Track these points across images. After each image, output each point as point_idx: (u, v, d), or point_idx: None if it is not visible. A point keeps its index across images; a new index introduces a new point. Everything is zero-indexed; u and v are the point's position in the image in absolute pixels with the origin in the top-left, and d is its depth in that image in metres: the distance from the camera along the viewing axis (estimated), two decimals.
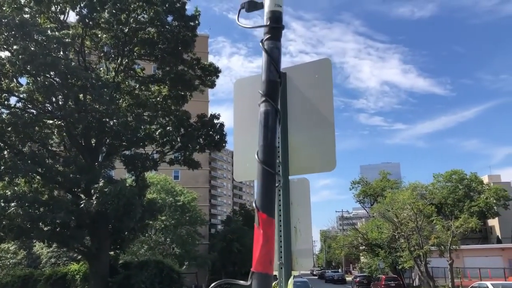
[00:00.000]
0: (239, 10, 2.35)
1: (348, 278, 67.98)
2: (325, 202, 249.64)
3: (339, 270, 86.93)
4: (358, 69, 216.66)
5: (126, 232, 24.87)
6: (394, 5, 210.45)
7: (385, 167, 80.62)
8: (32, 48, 19.18)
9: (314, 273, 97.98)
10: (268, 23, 2.10)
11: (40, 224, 20.47)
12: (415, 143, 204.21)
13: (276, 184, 1.90)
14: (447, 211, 64.10)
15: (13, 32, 19.36)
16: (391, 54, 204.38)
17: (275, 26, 2.10)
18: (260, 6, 2.26)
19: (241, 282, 1.86)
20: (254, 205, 1.86)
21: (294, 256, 3.04)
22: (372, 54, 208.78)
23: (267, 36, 2.07)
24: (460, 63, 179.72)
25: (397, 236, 40.88)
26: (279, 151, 3.20)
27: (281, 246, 3.04)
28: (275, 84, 2.01)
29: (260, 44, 2.09)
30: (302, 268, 3.07)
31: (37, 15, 22.43)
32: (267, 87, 1.99)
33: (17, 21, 19.16)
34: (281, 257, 3.03)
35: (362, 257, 61.50)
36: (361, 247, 53.98)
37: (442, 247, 35.84)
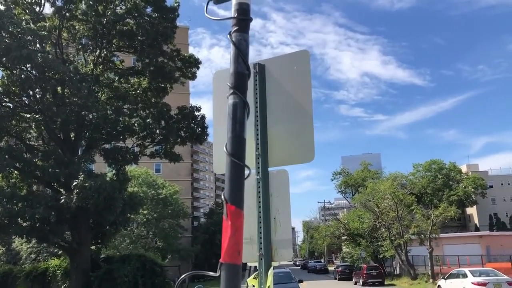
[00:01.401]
0: (207, 2, 2.34)
1: (331, 268, 68.74)
2: (307, 193, 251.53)
3: (322, 260, 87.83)
4: (339, 61, 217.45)
5: (108, 226, 24.67)
6: None
7: (366, 158, 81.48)
8: (7, 41, 18.75)
9: (297, 263, 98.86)
10: (235, 15, 2.09)
11: (19, 219, 20.16)
12: (395, 134, 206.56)
13: (245, 176, 1.90)
14: (427, 200, 65.22)
15: None
16: (371, 45, 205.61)
17: (243, 18, 2.09)
18: None
19: (210, 273, 1.88)
20: (222, 197, 1.87)
21: (273, 247, 3.05)
22: (352, 45, 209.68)
23: (235, 28, 2.07)
24: (439, 54, 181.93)
25: (378, 226, 41.46)
26: (259, 143, 3.20)
27: (261, 238, 3.04)
28: (243, 76, 2.02)
29: (228, 36, 2.09)
30: (282, 259, 3.08)
31: (12, 6, 21.89)
32: (235, 79, 1.99)
33: None
34: (261, 249, 3.03)
35: (344, 247, 62.21)
36: (343, 237, 54.57)
37: (422, 235, 36.46)
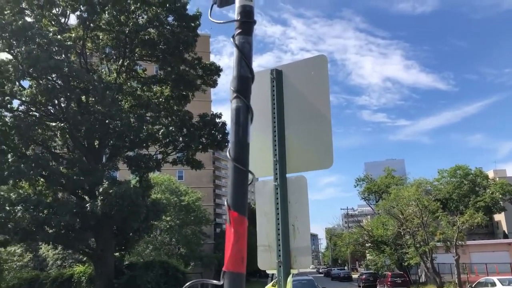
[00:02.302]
0: (211, 6, 2.34)
1: (354, 276, 67.92)
2: (330, 199, 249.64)
3: (345, 267, 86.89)
4: (360, 66, 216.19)
5: (131, 233, 24.93)
6: (395, 1, 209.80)
7: (390, 163, 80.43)
8: (35, 52, 19.23)
9: (320, 271, 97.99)
10: (239, 18, 2.08)
11: (45, 226, 20.55)
12: (419, 139, 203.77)
13: (249, 182, 1.88)
14: (453, 206, 63.85)
15: (15, 36, 19.44)
16: (392, 50, 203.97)
17: (246, 21, 2.07)
18: (232, 1, 2.24)
19: (214, 281, 1.86)
20: (225, 203, 1.85)
21: (292, 254, 3.03)
22: (373, 50, 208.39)
23: (238, 31, 2.05)
24: (463, 58, 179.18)
25: (402, 233, 40.81)
26: (276, 150, 3.19)
27: (279, 245, 3.02)
28: (247, 80, 1.99)
29: (231, 39, 2.07)
30: (301, 266, 3.05)
31: (38, 17, 22.49)
32: (238, 83, 1.97)
33: (19, 25, 19.24)
34: (279, 256, 3.02)
35: (368, 254, 61.42)
36: (366, 244, 53.93)
37: (448, 243, 35.73)
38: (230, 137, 1.91)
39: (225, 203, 1.84)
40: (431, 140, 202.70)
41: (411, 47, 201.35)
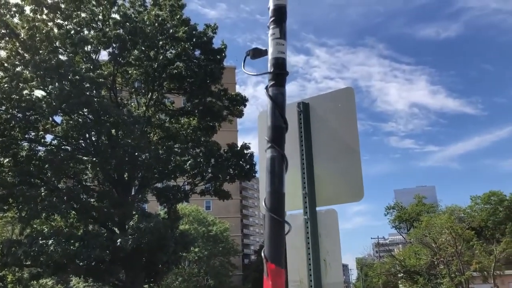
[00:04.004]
0: (245, 58, 2.41)
1: None
2: (359, 228, 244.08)
3: None
4: (385, 92, 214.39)
5: (160, 265, 24.92)
6: (419, 27, 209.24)
7: (420, 190, 78.66)
8: (67, 88, 19.91)
9: None
10: (272, 70, 2.13)
11: (76, 259, 20.76)
12: (449, 164, 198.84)
13: (286, 232, 1.86)
14: (488, 234, 61.60)
15: (49, 74, 20.21)
16: (418, 75, 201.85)
17: (279, 72, 2.12)
18: (265, 53, 2.31)
19: None
20: (262, 254, 1.83)
21: None
22: (398, 76, 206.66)
23: (272, 83, 2.10)
24: (490, 81, 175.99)
25: (436, 262, 39.55)
26: (305, 183, 3.20)
27: (311, 280, 2.99)
28: (281, 129, 2.02)
29: (265, 90, 2.12)
30: None
31: (71, 55, 23.38)
32: (273, 133, 2.00)
33: (53, 63, 20.02)
34: None
35: (401, 285, 59.50)
36: (399, 275, 52.36)
37: (485, 272, 34.38)
38: (266, 187, 1.92)
39: (262, 254, 1.82)
40: (461, 165, 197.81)
41: (436, 72, 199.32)
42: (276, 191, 1.90)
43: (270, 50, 2.23)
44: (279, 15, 2.23)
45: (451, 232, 37.06)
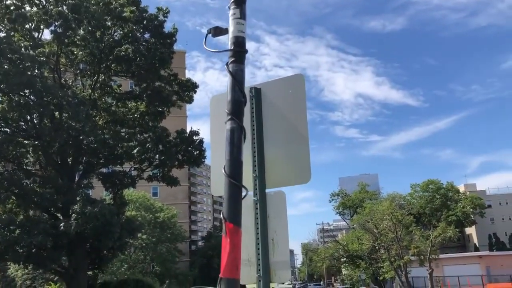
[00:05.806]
0: (206, 35, 2.48)
1: None
2: (305, 215, 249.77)
3: (321, 282, 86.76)
4: (332, 82, 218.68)
5: (105, 251, 24.44)
6: (365, 19, 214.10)
7: (364, 178, 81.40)
8: (6, 67, 18.92)
9: (297, 286, 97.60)
10: (232, 47, 2.23)
11: (16, 246, 19.98)
12: (391, 154, 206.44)
13: (243, 196, 1.99)
14: (426, 220, 64.94)
15: None
16: (364, 66, 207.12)
17: (239, 50, 2.22)
18: (225, 32, 2.40)
19: None
20: (221, 215, 1.98)
21: (272, 268, 3.08)
22: (345, 67, 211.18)
23: (232, 59, 2.20)
24: (432, 74, 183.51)
25: (377, 247, 41.20)
26: (256, 165, 3.27)
27: (259, 259, 3.07)
28: (240, 103, 2.14)
29: (225, 66, 2.22)
30: (280, 280, 3.11)
31: (11, 33, 22.17)
32: (233, 106, 2.11)
33: None
34: (259, 270, 3.07)
35: (344, 269, 61.63)
36: (342, 259, 54.13)
37: (421, 256, 36.24)
38: (225, 155, 2.03)
39: (221, 215, 1.96)
40: (403, 155, 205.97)
41: (381, 64, 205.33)
42: (235, 159, 2.04)
43: (230, 29, 2.32)
44: None
45: (392, 218, 38.65)
